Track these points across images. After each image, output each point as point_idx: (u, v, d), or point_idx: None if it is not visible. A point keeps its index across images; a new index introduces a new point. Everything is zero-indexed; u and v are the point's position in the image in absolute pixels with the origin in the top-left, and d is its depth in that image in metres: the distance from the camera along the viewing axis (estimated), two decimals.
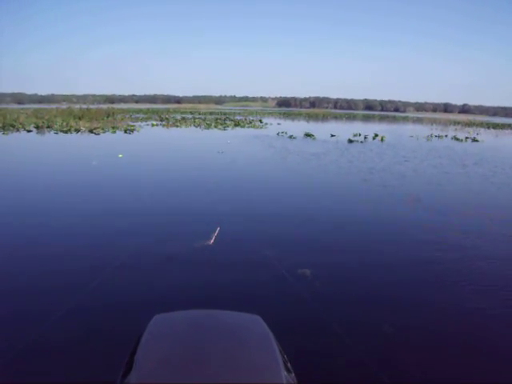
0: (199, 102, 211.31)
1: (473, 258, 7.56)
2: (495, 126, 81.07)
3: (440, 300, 5.90)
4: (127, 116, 58.76)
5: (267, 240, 8.05)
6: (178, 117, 59.99)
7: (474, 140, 39.43)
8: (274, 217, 9.84)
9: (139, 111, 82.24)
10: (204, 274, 6.42)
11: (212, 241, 7.69)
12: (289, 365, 2.32)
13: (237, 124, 46.47)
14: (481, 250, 7.99)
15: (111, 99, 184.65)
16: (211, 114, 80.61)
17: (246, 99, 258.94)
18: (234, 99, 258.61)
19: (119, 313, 5.24)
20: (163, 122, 45.79)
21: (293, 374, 2.25)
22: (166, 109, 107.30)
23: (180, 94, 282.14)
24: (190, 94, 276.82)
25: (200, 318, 2.63)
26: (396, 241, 8.49)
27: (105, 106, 69.74)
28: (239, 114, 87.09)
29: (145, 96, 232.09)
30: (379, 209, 10.97)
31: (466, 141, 38.67)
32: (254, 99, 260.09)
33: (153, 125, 41.74)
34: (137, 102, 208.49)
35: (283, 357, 2.30)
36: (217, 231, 8.13)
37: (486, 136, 48.45)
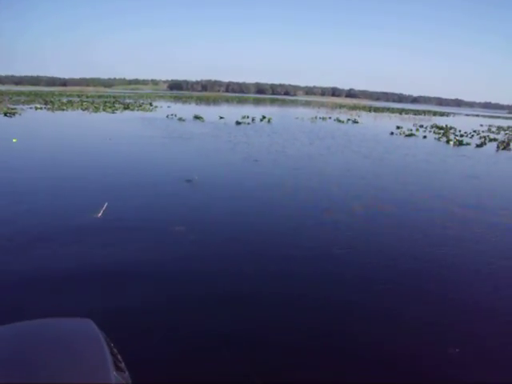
0: (87, 85, 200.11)
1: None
2: (376, 110, 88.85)
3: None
4: (7, 98, 54.69)
5: (143, 210, 9.11)
6: (64, 100, 57.04)
7: (355, 122, 43.40)
8: (150, 190, 10.77)
9: (20, 94, 76.52)
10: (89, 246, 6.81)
11: (100, 214, 8.42)
12: (122, 364, 2.32)
13: (126, 107, 45.77)
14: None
15: None
16: (100, 97, 77.31)
17: (136, 82, 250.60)
18: (124, 82, 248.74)
19: None
20: (48, 106, 43.53)
21: (126, 373, 2.30)
22: (51, 91, 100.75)
23: (66, 75, 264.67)
24: (76, 76, 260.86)
25: (22, 330, 2.42)
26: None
27: None
28: (129, 97, 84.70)
29: (26, 77, 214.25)
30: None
31: (347, 122, 42.44)
32: (144, 82, 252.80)
33: (36, 108, 39.64)
34: (17, 83, 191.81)
35: (115, 357, 2.29)
36: (105, 206, 8.75)
37: (365, 118, 53.23)
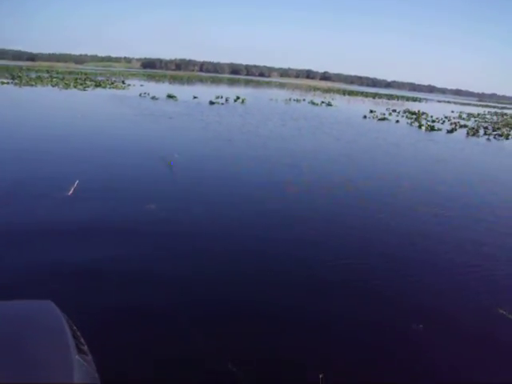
0: (57, 61, 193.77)
1: None
2: (350, 93, 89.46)
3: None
4: None
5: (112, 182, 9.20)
6: (33, 75, 55.20)
7: (329, 104, 43.64)
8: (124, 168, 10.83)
9: None
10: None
11: (70, 192, 8.34)
12: (85, 347, 2.30)
13: (98, 85, 44.72)
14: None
15: None
16: (70, 73, 75.09)
17: (108, 59, 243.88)
18: (96, 59, 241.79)
19: None
20: (15, 81, 42.11)
21: (89, 357, 2.27)
22: (18, 66, 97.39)
23: (34, 50, 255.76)
24: (45, 51, 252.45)
25: None
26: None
27: None
28: (101, 74, 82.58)
29: None
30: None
31: (320, 105, 42.64)
32: (117, 60, 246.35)
33: (2, 83, 38.33)
34: None
35: (78, 340, 2.26)
36: (75, 184, 8.69)
37: (339, 102, 53.57)
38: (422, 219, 8.51)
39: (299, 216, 7.99)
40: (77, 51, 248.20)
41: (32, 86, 37.82)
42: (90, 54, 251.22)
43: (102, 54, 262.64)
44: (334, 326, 4.58)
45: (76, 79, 51.92)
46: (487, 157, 18.93)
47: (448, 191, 11.19)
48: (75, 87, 39.23)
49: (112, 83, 49.15)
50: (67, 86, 39.32)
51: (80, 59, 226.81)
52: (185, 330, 4.23)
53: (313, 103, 43.99)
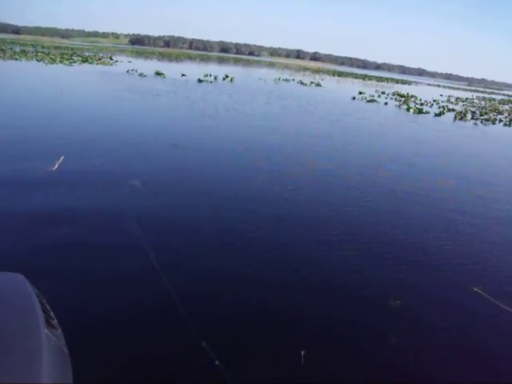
0: (42, 35, 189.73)
1: None
2: (340, 74, 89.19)
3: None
4: None
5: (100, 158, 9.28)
6: (17, 49, 54.00)
7: (318, 85, 43.52)
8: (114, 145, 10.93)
9: None
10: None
11: (55, 167, 8.29)
12: (54, 321, 2.27)
13: (85, 60, 43.94)
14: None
15: None
16: (56, 48, 73.58)
17: (96, 34, 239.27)
18: (83, 34, 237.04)
19: None
20: None
21: (59, 331, 2.25)
22: (2, 39, 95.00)
23: (19, 23, 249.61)
24: (31, 24, 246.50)
25: None
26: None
27: None
28: (88, 49, 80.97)
29: None
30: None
31: (310, 85, 42.50)
32: (104, 35, 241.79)
33: None
34: None
35: (47, 314, 2.22)
36: (61, 159, 8.67)
37: (329, 82, 53.44)
38: (397, 195, 8.81)
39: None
40: (63, 25, 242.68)
41: (16, 60, 36.99)
42: (76, 28, 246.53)
43: (88, 28, 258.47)
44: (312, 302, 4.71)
45: (62, 54, 50.92)
46: (468, 140, 19.20)
47: (422, 170, 11.56)
48: (61, 62, 38.52)
49: (99, 59, 48.33)
50: (53, 61, 38.58)
51: (66, 34, 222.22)
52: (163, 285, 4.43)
53: (302, 83, 43.83)
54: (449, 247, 6.47)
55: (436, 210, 8.15)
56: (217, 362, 3.54)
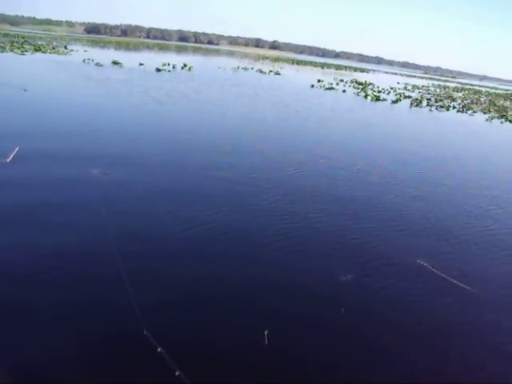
0: None
1: None
2: (299, 63, 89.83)
3: None
4: None
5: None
6: None
7: (277, 73, 43.82)
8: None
9: None
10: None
11: (10, 159, 8.15)
12: None
13: (37, 49, 42.52)
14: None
15: None
16: (5, 35, 70.70)
17: (48, 22, 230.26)
18: (34, 21, 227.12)
19: None
20: None
21: None
22: None
23: None
24: None
25: None
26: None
27: None
28: (41, 38, 78.16)
29: None
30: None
31: (269, 74, 42.72)
32: (58, 23, 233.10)
33: None
34: None
35: None
36: (16, 150, 8.53)
37: (288, 71, 53.82)
38: (335, 173, 9.58)
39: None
40: (12, 11, 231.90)
41: None
42: (26, 15, 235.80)
43: (40, 16, 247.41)
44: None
45: (12, 42, 49.02)
46: (419, 122, 20.12)
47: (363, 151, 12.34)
48: (12, 51, 37.17)
49: (53, 48, 46.86)
50: (2, 49, 37.14)
51: (15, 21, 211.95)
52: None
53: (261, 72, 44.03)
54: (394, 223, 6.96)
55: (373, 187, 8.89)
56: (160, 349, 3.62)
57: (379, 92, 34.94)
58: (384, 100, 28.89)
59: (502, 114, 29.44)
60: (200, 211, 6.49)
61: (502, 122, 25.28)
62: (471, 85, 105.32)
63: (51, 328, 3.80)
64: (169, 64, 37.26)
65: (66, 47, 51.76)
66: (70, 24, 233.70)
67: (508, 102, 46.04)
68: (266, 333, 3.89)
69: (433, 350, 4.07)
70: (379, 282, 5.14)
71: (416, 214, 7.55)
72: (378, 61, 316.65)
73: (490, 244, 6.59)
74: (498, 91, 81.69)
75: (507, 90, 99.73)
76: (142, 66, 33.47)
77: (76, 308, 4.11)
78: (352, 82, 44.40)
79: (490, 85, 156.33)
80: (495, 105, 38.31)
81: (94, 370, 3.43)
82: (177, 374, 3.37)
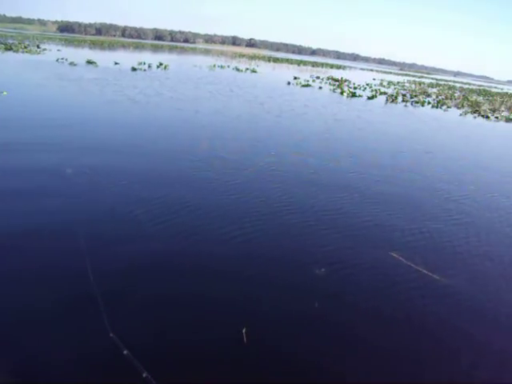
0: None
1: None
2: (275, 60, 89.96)
3: None
4: None
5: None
6: None
7: (253, 71, 43.84)
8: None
9: None
10: None
11: None
12: None
13: (8, 48, 41.70)
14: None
15: None
16: None
17: (19, 21, 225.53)
18: (4, 19, 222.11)
19: None
20: None
21: None
22: None
23: None
24: None
25: None
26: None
27: None
28: (12, 37, 76.59)
29: None
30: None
31: (245, 71, 42.73)
32: (30, 21, 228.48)
33: None
34: None
35: None
36: None
37: (264, 68, 53.93)
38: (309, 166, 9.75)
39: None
40: None
41: None
42: None
43: (11, 14, 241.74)
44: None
45: None
46: (391, 118, 20.53)
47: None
48: None
49: (25, 47, 45.99)
50: None
51: None
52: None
53: (237, 69, 44.06)
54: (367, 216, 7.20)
55: (344, 179, 9.15)
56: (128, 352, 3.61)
57: (355, 88, 35.37)
58: (360, 96, 29.27)
59: (475, 109, 30.10)
60: (168, 208, 6.60)
61: (474, 117, 25.87)
62: (446, 80, 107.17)
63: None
64: (144, 63, 37.03)
65: (38, 46, 50.82)
66: (42, 22, 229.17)
67: (481, 97, 47.03)
68: (243, 331, 3.87)
69: (406, 339, 4.26)
70: (354, 275, 5.30)
71: (387, 206, 7.78)
72: (355, 57, 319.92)
73: (461, 235, 6.83)
74: (471, 86, 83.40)
75: (480, 86, 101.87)
76: (117, 65, 33.14)
77: (36, 309, 4.07)
78: (328, 78, 44.79)
79: (464, 80, 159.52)
80: (468, 100, 39.11)
81: (58, 372, 3.41)
82: (144, 375, 3.32)
